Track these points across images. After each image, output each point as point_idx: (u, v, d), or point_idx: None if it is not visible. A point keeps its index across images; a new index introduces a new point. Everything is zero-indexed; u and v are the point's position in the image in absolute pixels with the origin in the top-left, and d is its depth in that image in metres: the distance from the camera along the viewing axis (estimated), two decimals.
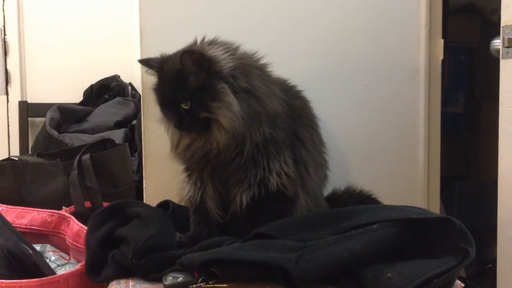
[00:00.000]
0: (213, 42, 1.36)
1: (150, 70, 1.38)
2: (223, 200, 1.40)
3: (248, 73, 1.32)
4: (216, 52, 1.31)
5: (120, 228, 1.33)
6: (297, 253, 1.11)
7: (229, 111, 1.27)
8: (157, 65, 1.35)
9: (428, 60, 1.78)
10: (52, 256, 1.59)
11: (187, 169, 1.43)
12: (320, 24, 1.72)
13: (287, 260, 1.09)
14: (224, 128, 1.28)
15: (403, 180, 1.81)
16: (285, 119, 1.38)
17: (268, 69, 1.41)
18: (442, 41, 1.79)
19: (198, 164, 1.36)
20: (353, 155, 1.77)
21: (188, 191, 1.42)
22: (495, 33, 1.53)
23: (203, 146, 1.32)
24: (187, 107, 1.29)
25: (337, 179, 1.63)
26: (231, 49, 1.34)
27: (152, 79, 1.39)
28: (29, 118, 2.78)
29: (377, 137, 1.79)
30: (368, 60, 1.75)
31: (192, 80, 1.28)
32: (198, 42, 1.37)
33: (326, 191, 1.59)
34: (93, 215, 1.40)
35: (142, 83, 1.65)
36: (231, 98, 1.27)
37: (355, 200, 1.56)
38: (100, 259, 1.30)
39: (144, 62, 1.39)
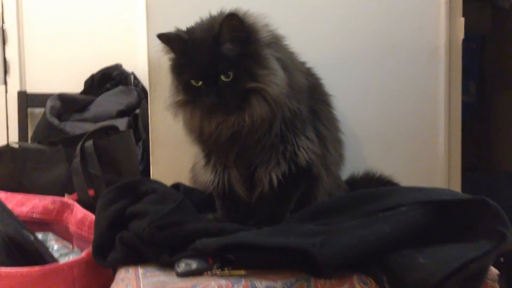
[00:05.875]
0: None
1: (167, 47, 1.26)
2: (247, 182, 1.33)
3: (276, 44, 1.26)
4: (255, 20, 1.23)
5: (132, 206, 1.25)
6: (321, 237, 1.05)
7: (277, 77, 1.19)
8: (183, 35, 1.23)
9: (449, 40, 1.71)
10: (54, 245, 1.53)
11: (207, 154, 1.35)
12: (337, 5, 1.67)
13: (310, 245, 1.02)
14: (268, 98, 1.19)
15: (423, 166, 1.74)
16: (306, 94, 1.31)
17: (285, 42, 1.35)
18: (462, 19, 1.73)
19: (223, 147, 1.27)
20: (370, 139, 1.71)
21: (210, 176, 1.34)
22: (507, 20, 1.46)
23: (233, 125, 1.22)
24: (227, 80, 1.19)
25: (353, 164, 1.57)
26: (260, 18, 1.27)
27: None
28: (29, 109, 2.72)
29: (395, 121, 1.72)
30: (385, 41, 1.69)
31: (229, 48, 1.19)
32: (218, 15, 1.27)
33: (343, 176, 1.52)
34: (106, 191, 1.32)
35: (149, 63, 1.57)
36: (276, 65, 1.20)
37: (374, 185, 1.49)
38: (109, 241, 1.22)
39: (164, 36, 1.24)
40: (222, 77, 1.18)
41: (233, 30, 1.18)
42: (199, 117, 1.26)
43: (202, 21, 1.27)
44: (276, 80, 1.20)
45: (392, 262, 1.03)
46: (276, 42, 1.27)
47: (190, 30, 1.25)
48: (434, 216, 1.09)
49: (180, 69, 1.25)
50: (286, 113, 1.25)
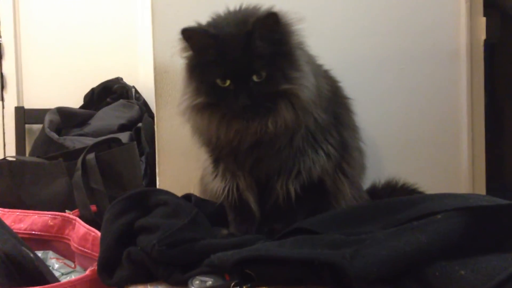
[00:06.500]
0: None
1: (186, 44, 1.15)
2: (259, 191, 1.25)
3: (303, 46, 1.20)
4: (290, 21, 1.15)
5: (141, 219, 1.15)
6: (352, 249, 0.95)
7: (309, 82, 1.12)
8: (211, 30, 1.12)
9: (470, 40, 1.65)
10: (55, 264, 1.44)
11: (214, 160, 1.26)
12: (352, 3, 1.61)
13: (340, 257, 0.93)
14: (297, 104, 1.12)
15: (444, 173, 1.66)
16: (329, 100, 1.24)
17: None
18: (484, 19, 1.68)
19: (240, 155, 1.19)
20: (388, 145, 1.64)
21: (221, 185, 1.26)
22: None
23: (255, 133, 1.13)
24: (259, 80, 1.10)
25: (370, 172, 1.47)
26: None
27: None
28: (26, 125, 2.68)
29: (415, 126, 1.65)
30: (403, 41, 1.62)
31: (262, 46, 1.09)
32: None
33: (363, 185, 1.43)
34: (113, 203, 1.22)
35: (155, 68, 1.49)
36: (308, 68, 1.13)
37: (398, 194, 1.40)
38: (116, 257, 1.12)
39: (188, 31, 1.12)
40: (255, 77, 1.09)
41: (268, 29, 1.10)
42: (217, 123, 1.16)
43: (219, 16, 1.17)
44: (308, 84, 1.12)
45: (430, 275, 0.93)
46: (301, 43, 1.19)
47: (215, 25, 1.15)
48: (473, 224, 0.99)
49: (203, 68, 1.14)
50: (311, 123, 1.18)
